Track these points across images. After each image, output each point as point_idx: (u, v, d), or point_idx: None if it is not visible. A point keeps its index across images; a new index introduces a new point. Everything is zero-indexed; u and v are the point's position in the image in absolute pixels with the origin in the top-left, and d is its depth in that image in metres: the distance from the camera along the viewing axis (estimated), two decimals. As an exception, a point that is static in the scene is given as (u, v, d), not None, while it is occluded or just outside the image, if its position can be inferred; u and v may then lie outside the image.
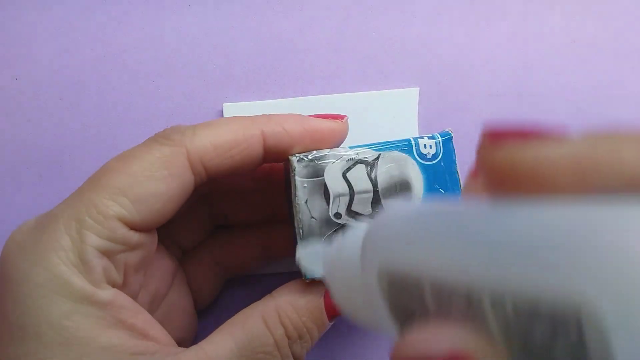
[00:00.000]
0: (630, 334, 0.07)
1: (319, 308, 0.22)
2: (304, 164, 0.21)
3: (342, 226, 0.22)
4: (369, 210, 0.22)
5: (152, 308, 0.24)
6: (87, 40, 0.29)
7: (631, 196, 0.09)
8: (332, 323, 0.23)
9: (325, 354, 0.30)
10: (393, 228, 0.12)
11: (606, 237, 0.08)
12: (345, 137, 0.23)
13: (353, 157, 0.22)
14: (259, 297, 0.22)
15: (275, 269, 0.29)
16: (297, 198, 0.21)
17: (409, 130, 0.29)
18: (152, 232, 0.22)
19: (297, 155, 0.22)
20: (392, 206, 0.13)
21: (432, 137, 0.23)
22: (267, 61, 0.30)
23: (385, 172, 0.22)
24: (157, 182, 0.20)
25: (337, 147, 0.23)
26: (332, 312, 0.22)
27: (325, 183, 0.21)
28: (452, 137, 0.23)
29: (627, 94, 0.30)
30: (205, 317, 0.28)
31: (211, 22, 0.29)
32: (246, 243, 0.27)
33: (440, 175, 0.22)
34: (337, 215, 0.22)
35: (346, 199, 0.22)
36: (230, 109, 0.29)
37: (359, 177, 0.22)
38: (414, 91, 0.30)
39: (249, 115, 0.23)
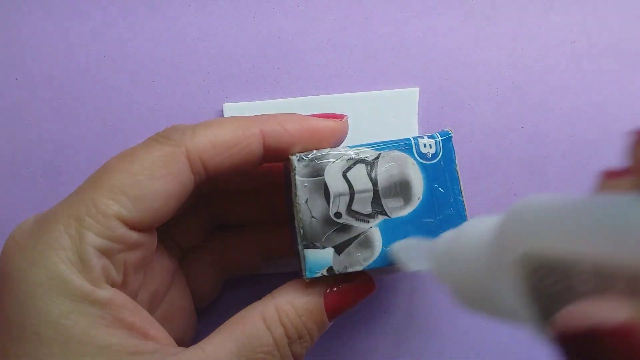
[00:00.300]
0: None
1: (319, 308, 0.22)
2: (304, 163, 0.21)
3: (342, 225, 0.21)
4: (369, 209, 0.22)
5: (151, 308, 0.24)
6: (87, 41, 0.29)
7: None
8: (332, 323, 0.22)
9: (325, 354, 0.30)
10: (539, 214, 0.12)
11: None
12: (345, 137, 0.23)
13: (353, 156, 0.22)
14: (258, 297, 0.22)
15: (275, 269, 0.29)
16: (297, 197, 0.21)
17: (409, 130, 0.29)
18: (152, 232, 0.22)
19: (297, 154, 0.22)
20: (532, 197, 0.13)
21: (432, 137, 0.23)
22: (267, 61, 0.30)
23: (385, 172, 0.22)
24: (156, 182, 0.20)
25: (337, 146, 0.23)
26: (332, 312, 0.22)
27: (325, 182, 0.21)
28: (451, 136, 0.23)
29: (628, 94, 0.30)
30: (205, 317, 0.28)
31: (211, 22, 0.29)
32: (246, 243, 0.27)
33: (440, 174, 0.22)
34: (338, 214, 0.21)
35: (346, 198, 0.21)
36: (231, 109, 0.29)
37: (359, 177, 0.22)
38: (414, 91, 0.30)
39: (249, 115, 0.22)
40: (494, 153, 0.30)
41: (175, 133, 0.21)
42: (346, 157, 0.22)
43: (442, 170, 0.22)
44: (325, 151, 0.22)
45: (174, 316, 0.25)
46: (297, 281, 0.22)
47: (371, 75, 0.30)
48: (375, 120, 0.29)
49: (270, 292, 0.22)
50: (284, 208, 0.25)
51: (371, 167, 0.22)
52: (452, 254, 0.16)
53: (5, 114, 0.29)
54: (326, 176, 0.21)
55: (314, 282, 0.22)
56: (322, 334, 0.23)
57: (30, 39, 0.29)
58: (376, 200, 0.22)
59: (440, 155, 0.22)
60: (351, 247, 0.22)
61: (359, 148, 0.22)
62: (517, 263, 0.12)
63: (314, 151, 0.22)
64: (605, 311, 0.10)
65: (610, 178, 0.13)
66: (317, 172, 0.21)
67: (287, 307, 0.21)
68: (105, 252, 0.20)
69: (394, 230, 0.22)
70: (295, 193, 0.21)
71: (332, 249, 0.21)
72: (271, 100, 0.29)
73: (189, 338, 0.26)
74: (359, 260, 0.22)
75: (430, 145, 0.22)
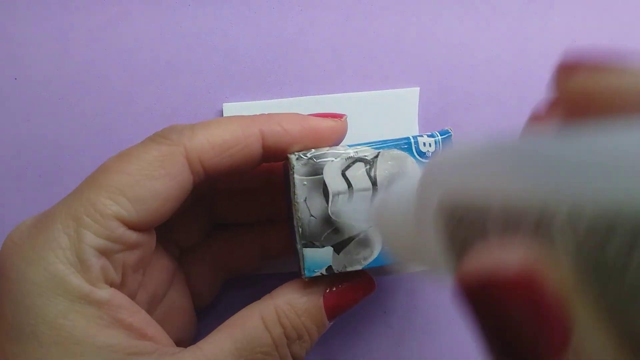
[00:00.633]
0: None
1: (318, 308, 0.22)
2: (302, 162, 0.21)
3: (342, 225, 0.21)
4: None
5: (150, 308, 0.24)
6: (87, 40, 0.29)
7: None
8: (331, 323, 0.22)
9: (325, 354, 0.29)
10: (454, 161, 0.12)
11: None
12: (344, 136, 0.23)
13: (352, 155, 0.22)
14: (258, 297, 0.22)
15: (275, 268, 0.29)
16: (296, 196, 0.21)
17: (409, 130, 0.29)
18: (151, 232, 0.22)
19: (296, 153, 0.22)
20: (451, 146, 0.13)
21: (431, 136, 0.23)
22: (267, 61, 0.29)
23: (384, 170, 0.22)
24: (155, 182, 0.20)
25: (337, 145, 0.23)
26: (332, 312, 0.22)
27: (324, 181, 0.21)
28: (451, 135, 0.23)
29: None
30: (204, 317, 0.28)
31: (211, 21, 0.29)
32: (245, 243, 0.27)
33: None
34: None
35: (345, 197, 0.21)
36: (230, 109, 0.29)
37: (358, 175, 0.22)
38: (414, 91, 0.29)
39: (248, 115, 0.22)
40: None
41: (174, 133, 0.21)
42: (345, 156, 0.22)
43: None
44: (324, 150, 0.22)
45: (173, 316, 0.25)
46: (296, 281, 0.22)
47: (371, 75, 0.30)
48: (375, 120, 0.29)
49: (269, 292, 0.22)
50: (284, 207, 0.25)
51: (370, 166, 0.22)
52: (382, 208, 0.17)
53: (4, 113, 0.29)
54: (325, 175, 0.21)
55: (313, 282, 0.22)
56: (322, 334, 0.22)
57: (29, 39, 0.29)
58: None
59: None
60: (350, 246, 0.21)
61: (358, 147, 0.22)
62: (435, 211, 0.12)
63: (313, 150, 0.22)
64: (502, 258, 0.10)
65: (536, 122, 0.13)
66: (316, 171, 0.21)
67: (286, 307, 0.21)
68: (103, 252, 0.19)
69: (394, 230, 0.22)
70: (294, 192, 0.21)
71: (331, 248, 0.21)
72: (271, 100, 0.29)
73: (188, 338, 0.26)
74: (359, 260, 0.21)
75: (430, 144, 0.22)
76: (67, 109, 0.29)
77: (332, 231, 0.21)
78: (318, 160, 0.21)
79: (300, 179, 0.21)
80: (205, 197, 0.26)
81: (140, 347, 0.19)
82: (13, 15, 0.29)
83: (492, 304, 0.10)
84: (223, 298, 0.29)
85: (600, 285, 0.09)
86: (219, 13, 0.30)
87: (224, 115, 0.29)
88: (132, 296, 0.21)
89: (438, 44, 0.30)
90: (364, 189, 0.22)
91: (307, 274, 0.21)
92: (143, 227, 0.21)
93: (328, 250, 0.21)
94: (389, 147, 0.22)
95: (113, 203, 0.20)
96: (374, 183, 0.22)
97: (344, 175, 0.21)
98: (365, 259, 0.21)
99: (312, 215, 0.21)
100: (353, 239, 0.21)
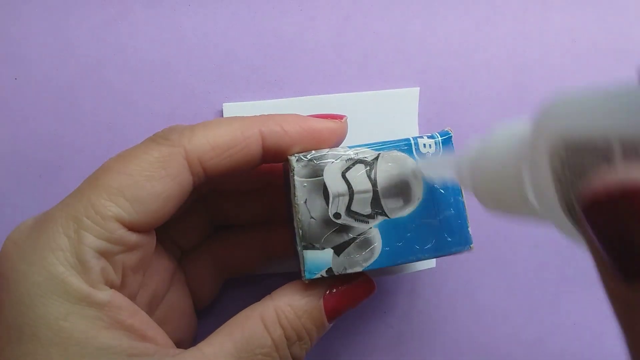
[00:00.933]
0: None
1: (318, 309, 0.22)
2: (303, 163, 0.21)
3: (342, 226, 0.21)
4: (369, 210, 0.22)
5: (150, 309, 0.24)
6: (87, 40, 0.29)
7: None
8: (331, 324, 0.22)
9: (325, 354, 0.29)
10: (574, 101, 0.13)
11: None
12: (344, 137, 0.23)
13: (352, 156, 0.22)
14: (258, 297, 0.22)
15: (275, 269, 0.29)
16: (296, 198, 0.21)
17: (409, 130, 0.29)
18: (151, 233, 0.22)
19: (296, 155, 0.22)
20: (565, 90, 0.14)
21: (431, 137, 0.22)
22: (267, 61, 0.29)
23: (384, 172, 0.22)
24: (155, 183, 0.20)
25: (337, 147, 0.23)
26: (332, 313, 0.22)
27: (324, 183, 0.21)
28: (451, 136, 0.23)
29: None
30: (204, 318, 0.28)
31: (211, 21, 0.29)
32: (245, 243, 0.27)
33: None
34: (337, 215, 0.21)
35: (345, 198, 0.21)
36: (230, 109, 0.29)
37: (359, 177, 0.22)
38: (414, 91, 0.29)
39: (248, 116, 0.22)
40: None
41: (174, 134, 0.21)
42: (345, 158, 0.22)
43: (441, 171, 0.22)
44: (325, 151, 0.22)
45: (174, 317, 0.25)
46: (297, 282, 0.22)
47: (371, 75, 0.30)
48: (375, 120, 0.29)
49: (269, 293, 0.22)
50: (284, 208, 0.25)
51: (370, 168, 0.22)
52: (480, 158, 0.17)
53: (4, 113, 0.29)
54: (325, 176, 0.21)
55: (314, 283, 0.22)
56: (322, 335, 0.22)
57: (29, 39, 0.29)
58: (376, 200, 0.22)
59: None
60: (350, 248, 0.21)
61: (358, 148, 0.22)
62: (553, 148, 0.13)
63: (313, 151, 0.22)
64: (636, 173, 0.11)
65: None
66: (316, 173, 0.21)
67: (286, 308, 0.21)
68: (103, 254, 0.19)
69: (394, 231, 0.22)
70: (294, 193, 0.21)
71: (332, 250, 0.21)
72: (271, 100, 0.29)
73: (188, 338, 0.26)
74: (359, 261, 0.21)
75: (430, 145, 0.22)
76: (67, 109, 0.29)
77: (332, 233, 0.21)
78: (318, 162, 0.21)
79: (300, 181, 0.21)
80: (206, 198, 0.26)
81: (141, 349, 0.19)
82: (13, 16, 0.29)
83: (630, 210, 0.11)
84: (223, 298, 0.29)
85: None
86: (219, 13, 0.30)
87: (224, 115, 0.29)
88: (132, 297, 0.21)
89: (438, 44, 0.30)
90: (364, 191, 0.22)
91: (307, 275, 0.21)
92: (143, 229, 0.21)
93: (328, 252, 0.21)
94: (389, 148, 0.22)
95: (113, 204, 0.20)
96: (374, 185, 0.22)
97: (344, 176, 0.21)
98: (365, 260, 0.21)
99: (312, 217, 0.21)
100: (353, 241, 0.21)
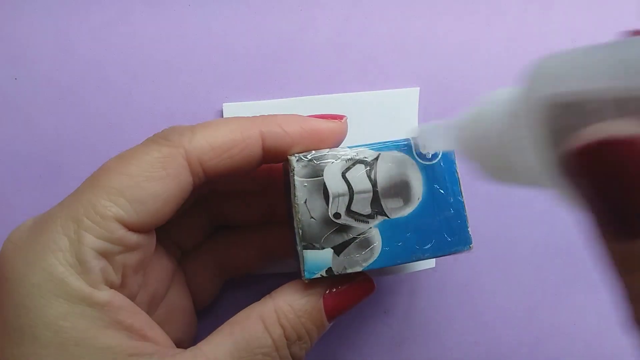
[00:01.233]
0: None
1: (318, 309, 0.22)
2: (303, 163, 0.21)
3: (342, 226, 0.21)
4: (369, 210, 0.22)
5: (150, 309, 0.24)
6: (86, 40, 0.29)
7: None
8: (331, 324, 0.22)
9: (325, 354, 0.29)
10: (562, 60, 0.14)
11: None
12: (344, 137, 0.23)
13: (352, 157, 0.22)
14: (258, 297, 0.22)
15: (275, 269, 0.29)
16: (296, 198, 0.21)
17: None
18: (151, 233, 0.22)
19: (296, 155, 0.22)
20: (549, 54, 0.14)
21: (431, 137, 0.23)
22: (267, 61, 0.29)
23: (384, 172, 0.22)
24: (155, 183, 0.20)
25: (337, 147, 0.23)
26: (332, 313, 0.22)
27: (324, 183, 0.21)
28: (451, 137, 0.23)
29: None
30: (204, 318, 0.28)
31: (211, 22, 0.29)
32: (245, 244, 0.27)
33: (439, 175, 0.22)
34: (337, 215, 0.21)
35: (345, 199, 0.21)
36: (230, 109, 0.29)
37: (359, 177, 0.22)
38: (414, 91, 0.29)
39: (248, 116, 0.22)
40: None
41: (174, 134, 0.21)
42: (345, 158, 0.22)
43: (441, 171, 0.22)
44: (325, 151, 0.22)
45: (174, 317, 0.25)
46: (296, 282, 0.22)
47: (371, 75, 0.30)
48: (375, 120, 0.29)
49: (269, 292, 0.22)
50: (284, 209, 0.25)
51: (370, 168, 0.22)
52: (475, 124, 0.17)
53: (4, 113, 0.29)
54: (325, 177, 0.21)
55: (313, 283, 0.22)
56: (322, 335, 0.22)
57: (29, 38, 0.29)
58: (376, 200, 0.22)
59: (439, 156, 0.22)
60: (350, 248, 0.21)
61: (358, 148, 0.22)
62: (542, 108, 0.13)
63: (313, 151, 0.22)
64: (619, 128, 0.11)
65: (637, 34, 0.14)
66: (316, 173, 0.21)
67: (286, 308, 0.21)
68: (103, 254, 0.19)
69: (394, 231, 0.22)
70: (294, 194, 0.21)
71: (332, 250, 0.21)
72: (271, 100, 0.29)
73: (188, 339, 0.26)
74: (359, 261, 0.21)
75: (430, 146, 0.22)
76: (67, 109, 0.29)
77: (332, 233, 0.21)
78: (318, 162, 0.21)
79: (300, 181, 0.21)
80: (206, 198, 0.26)
81: (141, 348, 0.19)
82: (13, 15, 0.29)
83: (615, 160, 0.11)
84: (223, 298, 0.29)
85: None
86: (219, 13, 0.30)
87: (224, 115, 0.29)
88: (132, 297, 0.21)
89: (438, 44, 0.30)
90: (364, 191, 0.22)
91: (307, 275, 0.21)
92: (143, 229, 0.21)
93: (328, 252, 0.21)
94: (388, 148, 0.22)
95: (113, 205, 0.20)
96: (374, 185, 0.22)
97: (344, 176, 0.21)
98: (365, 260, 0.21)
99: (312, 217, 0.21)
100: (353, 241, 0.21)
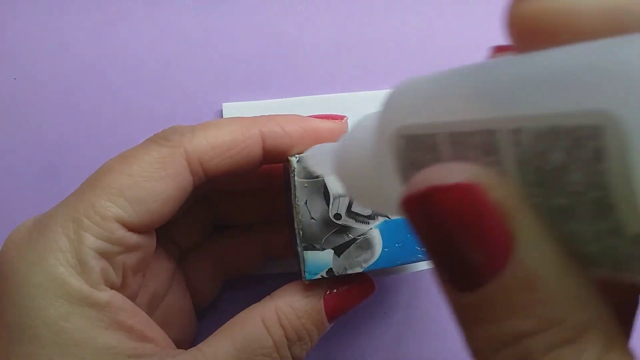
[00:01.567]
0: None
1: (318, 310, 0.22)
2: (303, 164, 0.21)
3: (342, 227, 0.21)
4: (369, 211, 0.22)
5: (150, 309, 0.24)
6: (87, 40, 0.29)
7: None
8: (331, 325, 0.22)
9: (326, 354, 0.29)
10: (410, 91, 0.13)
11: (630, 54, 0.08)
12: (344, 137, 0.23)
13: (353, 157, 0.22)
14: (258, 298, 0.22)
15: (275, 269, 0.29)
16: (296, 199, 0.21)
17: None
18: (151, 233, 0.22)
19: (296, 155, 0.22)
20: (409, 78, 0.13)
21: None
22: (266, 61, 0.29)
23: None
24: (155, 183, 0.20)
25: (337, 147, 0.23)
26: (332, 313, 0.22)
27: (325, 184, 0.21)
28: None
29: None
30: (204, 318, 0.28)
31: (211, 22, 0.29)
32: (245, 244, 0.27)
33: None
34: (337, 216, 0.21)
35: (346, 199, 0.21)
36: (230, 109, 0.29)
37: (359, 178, 0.21)
38: (414, 91, 0.29)
39: (248, 116, 0.22)
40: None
41: (174, 134, 0.21)
42: (346, 158, 0.22)
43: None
44: (325, 152, 0.22)
45: (174, 317, 0.25)
46: (297, 283, 0.22)
47: (371, 75, 0.30)
48: (375, 120, 0.29)
49: (269, 293, 0.22)
50: (284, 209, 0.25)
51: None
52: (345, 150, 0.16)
53: (4, 114, 0.29)
54: (326, 177, 0.21)
55: (314, 284, 0.22)
56: (322, 335, 0.22)
57: (29, 39, 0.29)
58: (376, 201, 0.22)
59: None
60: (351, 249, 0.21)
61: (359, 149, 0.22)
62: (391, 140, 0.13)
63: (314, 152, 0.22)
64: (447, 173, 0.10)
65: (498, 52, 0.13)
66: (316, 174, 0.21)
67: (286, 309, 0.21)
68: (103, 254, 0.19)
69: (394, 232, 0.22)
70: (295, 194, 0.21)
71: (332, 251, 0.21)
72: (271, 100, 0.29)
73: (188, 339, 0.26)
74: (359, 262, 0.21)
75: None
76: (66, 109, 0.29)
77: (332, 234, 0.21)
78: (318, 163, 0.21)
79: (301, 182, 0.21)
80: (206, 198, 0.26)
81: (141, 349, 0.19)
82: (12, 15, 0.29)
83: (434, 211, 0.10)
84: (223, 299, 0.29)
85: (542, 191, 0.09)
86: (219, 13, 0.29)
87: (224, 115, 0.29)
88: (133, 298, 0.21)
89: (438, 44, 0.30)
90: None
91: (307, 276, 0.21)
92: (143, 229, 0.21)
93: (329, 253, 0.21)
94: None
95: (113, 205, 0.20)
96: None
97: (344, 177, 0.21)
98: (365, 261, 0.21)
99: (312, 218, 0.21)
100: (353, 242, 0.21)
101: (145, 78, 0.29)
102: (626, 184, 0.08)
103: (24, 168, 0.29)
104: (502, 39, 0.32)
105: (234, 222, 0.28)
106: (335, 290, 0.22)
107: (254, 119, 0.22)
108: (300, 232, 0.21)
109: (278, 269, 0.29)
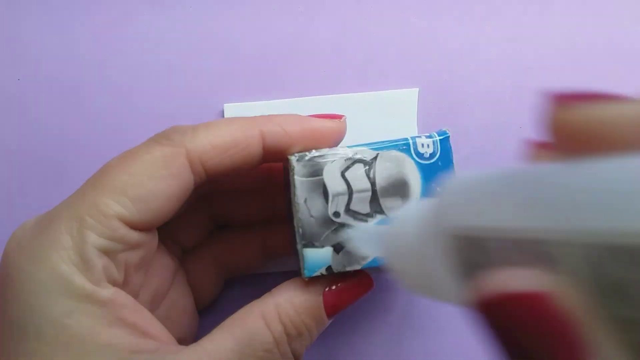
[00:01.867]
0: None
1: (317, 306, 0.22)
2: (302, 163, 0.22)
3: (341, 225, 0.22)
4: (367, 209, 0.22)
5: (152, 307, 0.24)
6: (89, 41, 0.29)
7: None
8: (330, 320, 0.23)
9: (325, 353, 0.30)
10: (465, 192, 0.13)
11: None
12: (343, 137, 0.24)
13: (351, 156, 0.22)
14: (258, 296, 0.23)
15: (275, 268, 0.29)
16: (296, 197, 0.21)
17: (408, 130, 0.29)
18: (153, 232, 0.22)
19: (296, 154, 0.22)
20: (462, 174, 0.13)
21: (429, 137, 0.23)
22: (267, 61, 0.30)
23: (383, 171, 0.22)
24: (157, 182, 0.20)
25: (336, 146, 0.23)
26: (331, 309, 0.22)
27: (324, 182, 0.22)
28: (449, 136, 0.23)
29: (627, 94, 0.30)
30: (206, 316, 0.28)
31: (212, 22, 0.30)
32: (246, 242, 0.27)
33: (438, 174, 0.22)
34: (336, 214, 0.22)
35: (345, 198, 0.22)
36: (231, 109, 0.29)
37: (358, 176, 0.22)
38: (414, 91, 0.30)
39: (249, 116, 0.23)
40: (492, 153, 0.30)
41: (176, 134, 0.21)
42: (345, 157, 0.22)
43: (440, 170, 0.22)
44: (324, 151, 0.22)
45: (175, 315, 0.25)
46: (297, 279, 0.22)
47: (371, 76, 0.30)
48: (374, 120, 0.29)
49: (269, 290, 0.23)
50: (283, 208, 0.25)
51: (369, 167, 0.22)
52: (396, 235, 0.17)
53: (6, 114, 0.29)
54: (325, 176, 0.22)
55: (313, 280, 0.22)
56: (321, 331, 0.23)
57: (32, 39, 0.29)
58: (374, 200, 0.22)
59: (438, 155, 0.22)
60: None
61: (357, 148, 0.22)
62: (445, 240, 0.13)
63: (313, 151, 0.22)
64: (518, 279, 0.10)
65: (537, 149, 0.13)
66: (315, 172, 0.22)
67: (286, 305, 0.21)
68: (106, 252, 0.20)
69: (393, 230, 0.22)
70: (294, 193, 0.21)
71: (331, 248, 0.22)
72: (271, 101, 0.29)
73: (190, 336, 0.26)
74: (358, 259, 0.22)
75: (428, 145, 0.22)
76: (69, 109, 0.29)
77: (331, 232, 0.22)
78: (318, 162, 0.22)
79: (300, 180, 0.21)
80: (207, 197, 0.27)
81: (143, 346, 0.20)
82: (16, 16, 0.29)
83: (509, 320, 0.10)
84: (224, 297, 0.29)
85: (609, 303, 0.09)
86: (220, 13, 0.30)
87: (225, 115, 0.29)
88: (135, 295, 0.22)
89: (437, 45, 0.30)
90: (363, 190, 0.22)
91: (307, 273, 0.22)
92: (145, 227, 0.21)
93: (328, 251, 0.22)
94: (387, 148, 0.22)
95: (115, 203, 0.20)
96: (373, 184, 0.22)
97: (343, 176, 0.22)
98: (363, 259, 0.22)
99: (312, 216, 0.21)
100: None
101: (149, 79, 0.29)
102: None
103: (27, 167, 0.29)
104: (501, 43, 0.32)
105: (235, 221, 0.28)
106: (334, 287, 0.22)
107: (254, 118, 0.22)
108: (300, 230, 0.21)
109: (278, 268, 0.29)
